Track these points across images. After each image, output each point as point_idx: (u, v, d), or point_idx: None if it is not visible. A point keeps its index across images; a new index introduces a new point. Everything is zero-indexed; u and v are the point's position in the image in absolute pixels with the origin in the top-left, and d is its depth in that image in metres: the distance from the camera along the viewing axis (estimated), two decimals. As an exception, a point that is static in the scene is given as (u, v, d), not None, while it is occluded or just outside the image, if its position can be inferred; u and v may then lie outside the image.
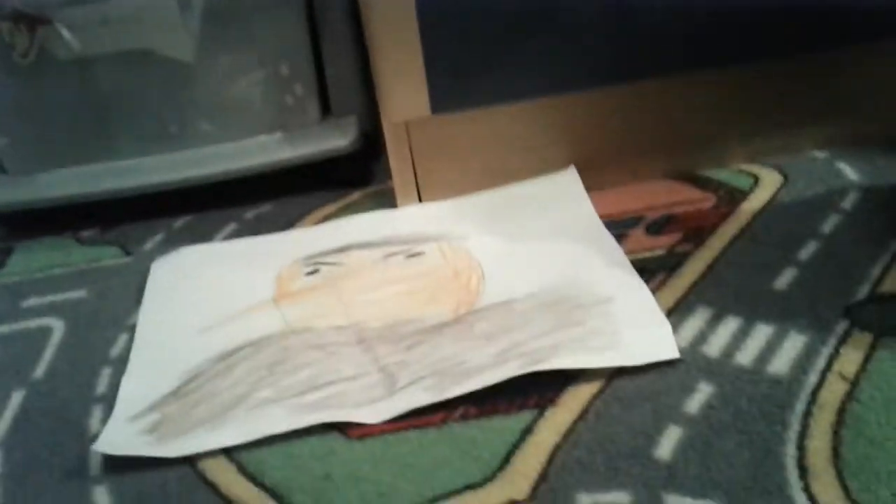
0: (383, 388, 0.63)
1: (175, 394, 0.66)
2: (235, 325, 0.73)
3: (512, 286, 0.72)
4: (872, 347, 0.60)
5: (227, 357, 0.69)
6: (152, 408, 0.65)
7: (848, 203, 0.77)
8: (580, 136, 0.86)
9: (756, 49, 0.81)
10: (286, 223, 0.89)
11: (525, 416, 0.59)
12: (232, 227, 0.90)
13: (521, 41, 0.79)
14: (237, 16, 0.88)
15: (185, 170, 0.92)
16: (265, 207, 0.93)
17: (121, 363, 0.71)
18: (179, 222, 0.92)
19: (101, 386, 0.69)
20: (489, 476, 0.55)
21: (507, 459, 0.56)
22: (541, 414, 0.59)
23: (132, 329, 0.74)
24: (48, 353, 0.73)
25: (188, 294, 0.79)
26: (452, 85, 0.80)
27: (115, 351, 0.73)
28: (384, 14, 0.76)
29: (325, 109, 0.96)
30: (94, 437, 0.62)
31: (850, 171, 0.82)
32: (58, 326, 0.77)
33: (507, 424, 0.58)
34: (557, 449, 0.56)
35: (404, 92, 0.80)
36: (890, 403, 0.55)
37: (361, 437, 0.59)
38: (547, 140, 0.85)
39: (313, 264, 0.80)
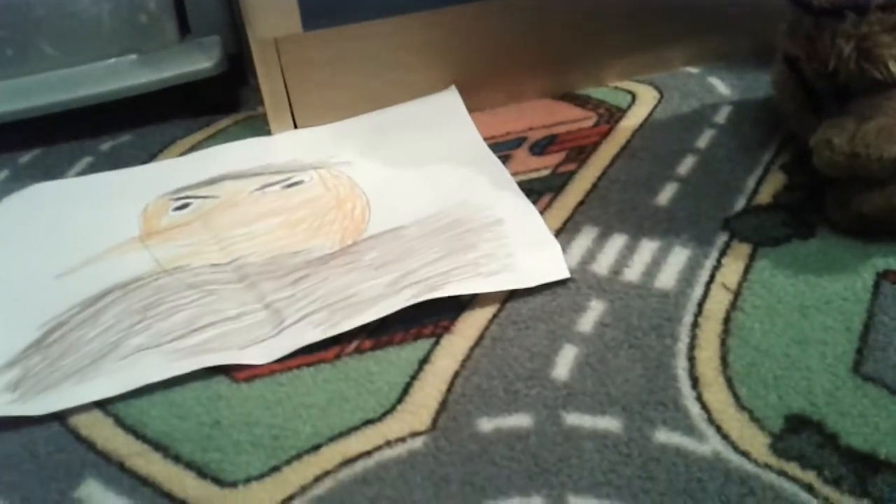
0: (270, 325, 0.60)
1: (36, 346, 0.60)
2: (98, 268, 0.67)
3: (399, 213, 0.70)
4: (752, 257, 0.62)
5: (93, 303, 0.63)
6: (11, 363, 0.59)
7: (721, 117, 0.79)
8: (457, 54, 0.83)
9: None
10: (148, 155, 0.82)
11: (421, 346, 0.57)
12: (87, 160, 0.82)
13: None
14: (76, -78, 0.78)
15: (28, 98, 0.83)
16: (123, 138, 0.85)
17: (-31, 316, 0.63)
18: (26, 157, 0.83)
19: (-52, 343, 0.62)
20: (388, 409, 0.53)
21: (405, 391, 0.54)
22: (437, 342, 0.58)
23: (-21, 278, 0.67)
24: None
25: (42, 236, 0.71)
26: (324, -1, 0.75)
27: (-39, 303, 0.65)
28: (246, -79, 0.70)
29: (185, 29, 0.88)
30: (-55, 400, 0.56)
31: (721, 86, 0.84)
32: None
33: (403, 355, 0.57)
34: (456, 376, 0.55)
35: (272, 6, 0.74)
36: (771, 311, 0.57)
37: (249, 380, 0.56)
38: (424, 58, 0.82)
39: (182, 198, 0.75)
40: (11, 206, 0.75)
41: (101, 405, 0.55)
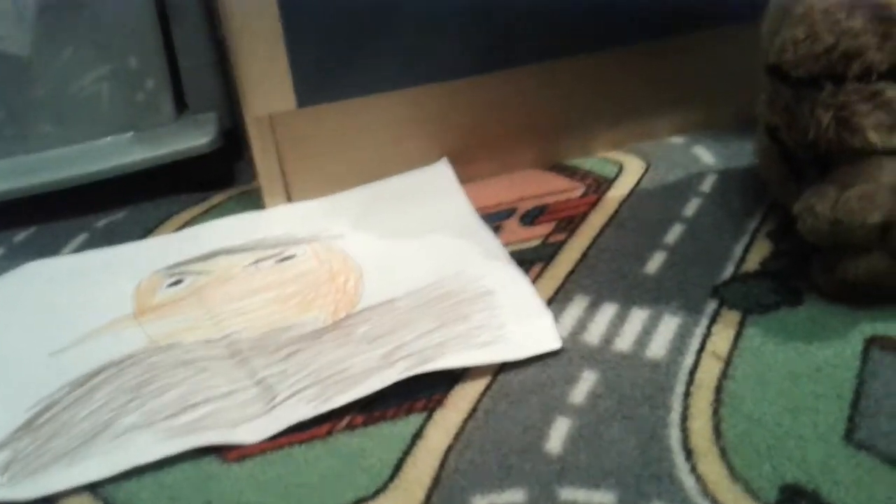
0: (261, 403, 0.59)
1: (27, 427, 0.60)
2: (92, 346, 0.67)
3: (392, 285, 0.70)
4: (741, 325, 0.62)
5: (86, 381, 0.63)
6: (1, 445, 0.58)
7: (707, 186, 0.80)
8: (450, 127, 0.85)
9: (612, 37, 0.83)
10: (143, 231, 0.83)
11: (414, 420, 0.57)
12: (82, 237, 0.83)
13: (386, 31, 0.77)
14: (78, 4, 0.81)
15: (25, 176, 0.84)
16: (118, 215, 0.86)
17: (-39, 397, 0.63)
18: (21, 235, 0.84)
19: (-61, 424, 0.61)
20: (381, 487, 0.53)
21: (398, 468, 0.54)
22: (430, 416, 0.57)
23: (-28, 358, 0.67)
24: None
25: (36, 314, 0.72)
26: (318, 76, 0.77)
27: (-47, 383, 0.65)
28: (242, 3, 0.72)
29: (181, 106, 0.90)
30: (-66, 485, 0.56)
31: (706, 155, 0.86)
32: None
33: (395, 430, 0.57)
34: (449, 451, 0.55)
35: (267, 84, 0.76)
36: (762, 379, 0.57)
37: (240, 459, 0.56)
38: (417, 131, 0.84)
39: (176, 274, 0.75)
40: (7, 284, 0.76)
41: (92, 488, 0.55)
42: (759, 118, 0.74)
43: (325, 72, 0.78)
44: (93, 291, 0.74)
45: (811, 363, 0.58)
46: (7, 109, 0.84)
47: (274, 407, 0.59)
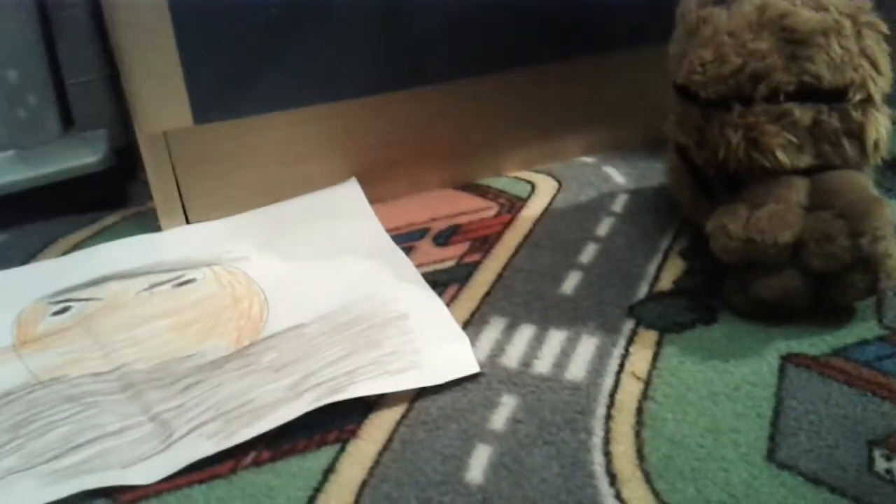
0: (157, 440, 0.55)
1: None
2: (-36, 382, 0.60)
3: (299, 310, 0.67)
4: (658, 345, 0.61)
5: (-45, 422, 0.57)
6: None
7: (618, 206, 0.80)
8: (357, 146, 0.82)
9: (521, 57, 0.82)
10: (25, 255, 0.77)
11: (326, 454, 0.54)
12: (-45, 263, 0.76)
13: (287, 46, 0.74)
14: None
15: None
16: (-2, 238, 0.79)
17: None
18: None
19: None
20: (290, 527, 0.49)
21: (308, 505, 0.50)
22: (343, 449, 0.54)
23: None
24: None
25: None
26: (216, 92, 0.73)
27: None
28: (133, 15, 0.68)
29: (68, 123, 0.84)
30: None
31: (616, 175, 0.86)
32: None
33: (306, 465, 0.53)
34: (364, 486, 0.51)
35: (161, 99, 0.71)
36: (682, 399, 0.56)
37: (134, 502, 0.51)
38: (323, 150, 0.81)
39: (61, 302, 0.69)
40: None
41: (-40, 542, 0.49)
42: (668, 138, 0.74)
43: (223, 87, 0.74)
44: (-34, 322, 0.67)
45: (730, 382, 0.57)
46: None
47: (171, 444, 0.54)
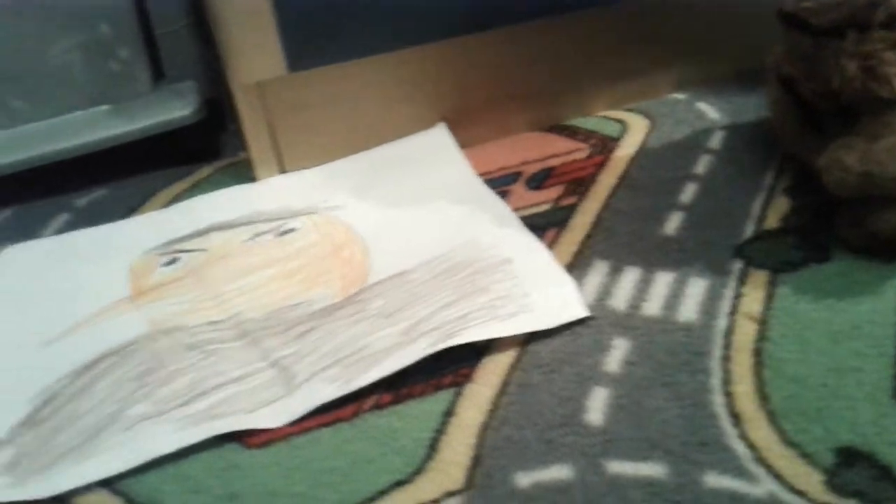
0: (280, 385, 0.56)
1: (28, 422, 0.56)
2: (88, 333, 0.63)
3: (401, 257, 0.67)
4: (771, 285, 0.60)
5: (85, 371, 0.59)
6: (4, 442, 0.54)
7: (715, 142, 0.78)
8: (445, 90, 0.81)
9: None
10: (127, 209, 0.79)
11: (443, 397, 0.55)
12: (63, 218, 0.78)
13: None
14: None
15: (-3, 155, 0.79)
16: (100, 192, 0.81)
17: (-51, 394, 0.59)
18: (-4, 218, 0.79)
19: (-71, 424, 0.57)
20: (417, 468, 0.50)
21: (432, 447, 0.51)
22: (459, 392, 0.55)
23: (-43, 351, 0.63)
24: None
25: (22, 301, 0.67)
26: (309, 38, 0.73)
27: (-61, 379, 0.61)
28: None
29: (158, 75, 0.85)
30: (-69, 490, 0.51)
31: (710, 111, 0.83)
32: None
33: (425, 408, 0.54)
34: (484, 428, 0.52)
35: (255, 50, 0.71)
36: (801, 339, 0.55)
37: (264, 445, 0.53)
38: (412, 95, 0.80)
39: (170, 253, 0.71)
40: (-15, 270, 0.71)
41: (108, 483, 0.51)
42: (769, 70, 0.72)
43: (315, 34, 0.73)
44: (82, 275, 0.69)
45: (848, 320, 0.56)
46: (-28, 84, 0.78)
47: (294, 389, 0.56)
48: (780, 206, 0.69)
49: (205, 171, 0.83)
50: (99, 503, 0.50)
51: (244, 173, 0.81)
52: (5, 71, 0.78)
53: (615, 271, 0.64)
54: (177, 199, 0.79)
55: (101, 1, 0.79)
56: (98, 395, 0.57)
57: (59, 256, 0.72)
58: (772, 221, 0.67)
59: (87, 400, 0.57)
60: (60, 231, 0.76)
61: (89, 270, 0.70)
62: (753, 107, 0.82)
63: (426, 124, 0.82)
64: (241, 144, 0.84)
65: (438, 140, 0.81)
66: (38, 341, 0.63)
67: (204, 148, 0.86)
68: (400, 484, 0.49)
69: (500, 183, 0.76)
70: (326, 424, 0.54)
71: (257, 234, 0.72)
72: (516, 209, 0.72)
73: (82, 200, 0.80)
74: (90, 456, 0.53)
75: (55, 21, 0.78)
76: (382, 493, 0.49)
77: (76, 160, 0.80)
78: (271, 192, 0.77)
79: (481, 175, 0.77)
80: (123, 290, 0.67)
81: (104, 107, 0.83)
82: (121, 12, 0.81)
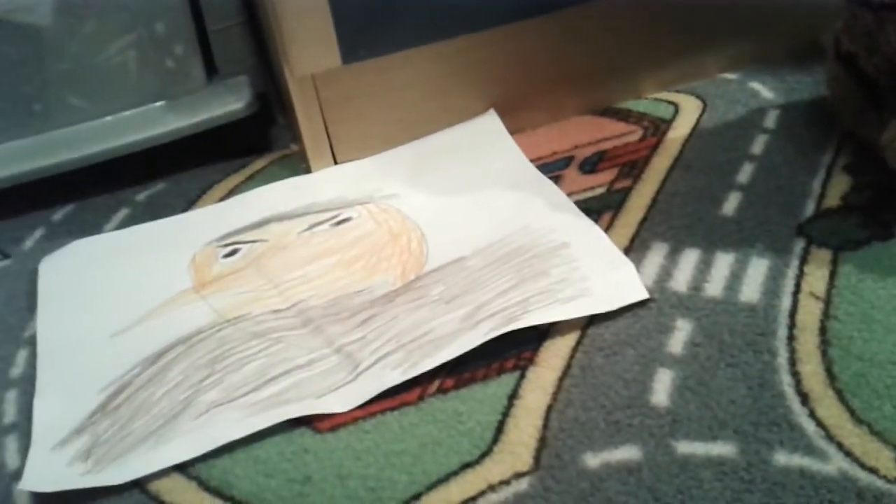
0: (345, 371, 0.57)
1: (102, 410, 0.57)
2: (155, 323, 0.65)
3: (457, 243, 0.68)
4: (834, 263, 0.60)
5: (156, 360, 0.61)
6: (79, 430, 0.56)
7: (770, 122, 0.77)
8: (495, 76, 0.81)
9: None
10: (186, 202, 0.80)
11: (507, 381, 0.55)
12: (124, 212, 0.80)
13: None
14: (99, -31, 0.77)
15: (58, 153, 0.81)
16: (158, 187, 0.83)
17: (27, 383, 0.61)
18: (59, 214, 0.81)
19: (9, 413, 0.59)
20: (485, 450, 0.51)
21: (499, 430, 0.52)
22: (523, 376, 0.55)
23: (31, 342, 0.65)
24: (-68, 384, 0.62)
25: (89, 294, 0.69)
26: (362, 30, 0.73)
27: (16, 370, 0.63)
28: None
29: (211, 70, 0.87)
30: (16, 475, 0.53)
31: (764, 90, 0.82)
32: (-63, 351, 0.65)
33: (489, 392, 0.54)
34: (550, 410, 0.53)
35: (312, 43, 0.72)
36: (867, 318, 0.55)
37: (333, 429, 0.54)
38: (462, 83, 0.81)
39: (230, 244, 0.72)
40: (53, 265, 0.73)
41: (181, 468, 0.53)
42: (826, 47, 0.71)
43: (369, 26, 0.74)
44: (146, 267, 0.71)
45: (916, 298, 0.55)
46: (33, 84, 0.80)
47: (359, 374, 0.57)
48: (841, 184, 0.68)
49: (258, 163, 0.85)
50: (173, 488, 0.52)
51: (296, 165, 0.82)
52: (66, 71, 0.80)
53: (674, 253, 0.64)
54: (233, 191, 0.81)
55: (157, 1, 0.81)
56: (170, 383, 0.58)
57: (123, 250, 0.74)
58: (832, 200, 0.66)
59: (160, 388, 0.58)
60: (122, 225, 0.78)
61: (153, 263, 0.71)
62: (808, 85, 0.80)
63: (476, 112, 0.82)
64: (293, 137, 0.86)
65: (489, 127, 0.81)
66: (108, 332, 0.64)
67: (256, 141, 0.87)
68: (469, 465, 0.50)
69: (552, 168, 0.76)
70: (393, 408, 0.54)
71: (314, 225, 0.73)
72: (570, 193, 0.72)
73: (142, 195, 0.82)
74: (164, 442, 0.54)
75: (113, 21, 0.80)
76: (452, 474, 0.50)
77: (135, 156, 0.82)
78: (326, 182, 0.78)
79: (533, 160, 0.77)
80: (186, 282, 0.68)
81: (160, 103, 0.85)
82: (175, 11, 0.82)
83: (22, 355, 0.64)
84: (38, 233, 0.78)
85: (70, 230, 0.78)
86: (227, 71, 0.88)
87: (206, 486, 0.51)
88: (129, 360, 0.61)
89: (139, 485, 0.52)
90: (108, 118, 0.84)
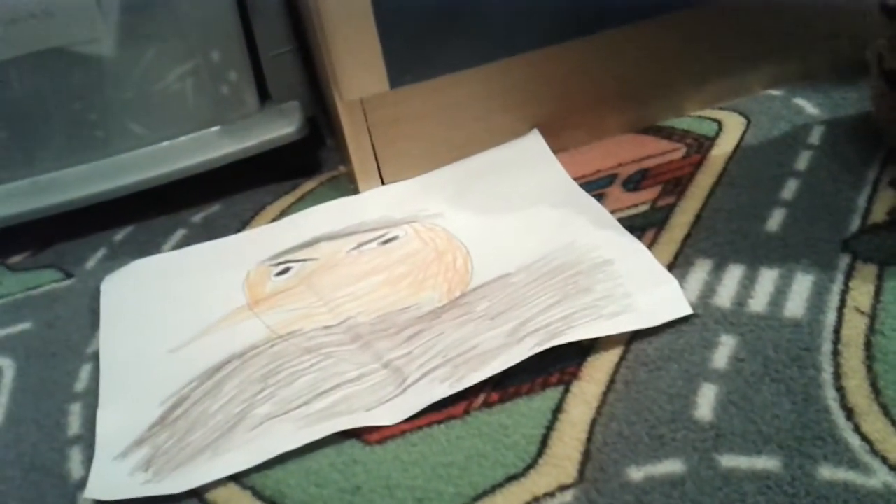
0: (393, 385, 0.59)
1: (162, 422, 0.60)
2: (211, 339, 0.67)
3: (502, 261, 0.69)
4: (880, 278, 0.60)
5: (212, 375, 0.63)
6: (140, 441, 0.59)
7: (815, 138, 0.77)
8: (537, 97, 0.83)
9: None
10: (240, 223, 0.83)
11: (551, 395, 0.56)
12: (180, 233, 0.83)
13: (473, 4, 0.75)
14: (159, 1, 0.81)
15: (118, 177, 0.85)
16: (213, 208, 0.86)
17: (90, 397, 0.64)
18: (120, 235, 0.85)
19: (74, 425, 0.62)
20: (530, 463, 0.52)
21: (543, 443, 0.53)
22: (567, 390, 0.56)
23: (94, 357, 0.68)
24: (2, 398, 0.66)
25: (149, 312, 0.72)
26: (409, 56, 0.76)
27: (81, 384, 0.66)
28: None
29: (264, 96, 0.90)
30: (81, 484, 0.56)
31: (809, 107, 0.82)
32: (7, 365, 0.69)
33: (534, 406, 0.56)
34: (594, 424, 0.53)
35: (360, 68, 0.75)
36: (915, 332, 0.55)
37: (382, 441, 0.55)
38: (505, 104, 0.82)
39: (282, 263, 0.75)
40: (115, 284, 0.76)
41: (237, 478, 0.55)
42: (870, 64, 0.71)
43: (415, 51, 0.76)
44: (202, 286, 0.74)
45: (965, 313, 0.55)
46: (96, 111, 0.84)
47: (407, 388, 0.58)
48: (887, 200, 0.67)
49: (309, 185, 0.87)
50: (229, 497, 0.54)
51: (345, 186, 0.84)
52: (127, 99, 0.84)
53: (718, 269, 0.64)
54: (285, 212, 0.83)
55: (213, 29, 0.84)
56: (225, 397, 0.61)
57: (180, 270, 0.77)
58: (878, 215, 0.66)
59: (216, 401, 0.60)
60: (179, 245, 0.81)
61: (208, 282, 0.74)
62: (853, 101, 0.80)
63: (520, 132, 0.84)
64: (341, 159, 0.88)
65: (532, 146, 0.82)
66: (166, 348, 0.67)
67: (306, 163, 0.90)
68: (514, 478, 0.51)
69: (595, 186, 0.77)
70: (439, 422, 0.56)
71: (362, 244, 0.75)
72: (614, 211, 0.73)
73: (198, 216, 0.85)
74: (220, 453, 0.56)
75: (171, 51, 0.83)
76: (498, 486, 0.51)
77: (191, 179, 0.85)
78: (373, 202, 0.81)
79: (577, 179, 0.78)
80: (241, 300, 0.71)
81: (215, 128, 0.88)
82: (231, 40, 0.85)
83: (86, 370, 0.67)
84: (101, 253, 0.82)
85: (130, 250, 0.81)
86: (279, 96, 0.91)
87: (260, 496, 0.53)
88: (187, 375, 0.64)
89: (197, 494, 0.54)
90: (166, 143, 0.87)
